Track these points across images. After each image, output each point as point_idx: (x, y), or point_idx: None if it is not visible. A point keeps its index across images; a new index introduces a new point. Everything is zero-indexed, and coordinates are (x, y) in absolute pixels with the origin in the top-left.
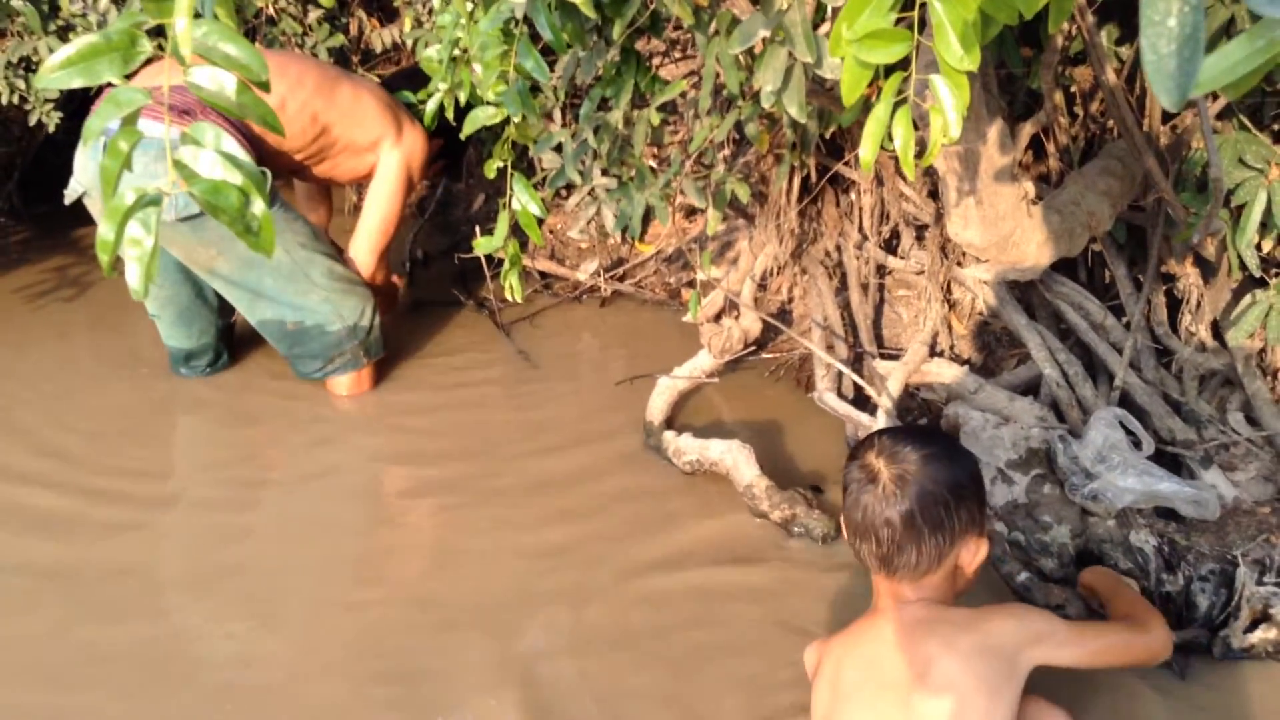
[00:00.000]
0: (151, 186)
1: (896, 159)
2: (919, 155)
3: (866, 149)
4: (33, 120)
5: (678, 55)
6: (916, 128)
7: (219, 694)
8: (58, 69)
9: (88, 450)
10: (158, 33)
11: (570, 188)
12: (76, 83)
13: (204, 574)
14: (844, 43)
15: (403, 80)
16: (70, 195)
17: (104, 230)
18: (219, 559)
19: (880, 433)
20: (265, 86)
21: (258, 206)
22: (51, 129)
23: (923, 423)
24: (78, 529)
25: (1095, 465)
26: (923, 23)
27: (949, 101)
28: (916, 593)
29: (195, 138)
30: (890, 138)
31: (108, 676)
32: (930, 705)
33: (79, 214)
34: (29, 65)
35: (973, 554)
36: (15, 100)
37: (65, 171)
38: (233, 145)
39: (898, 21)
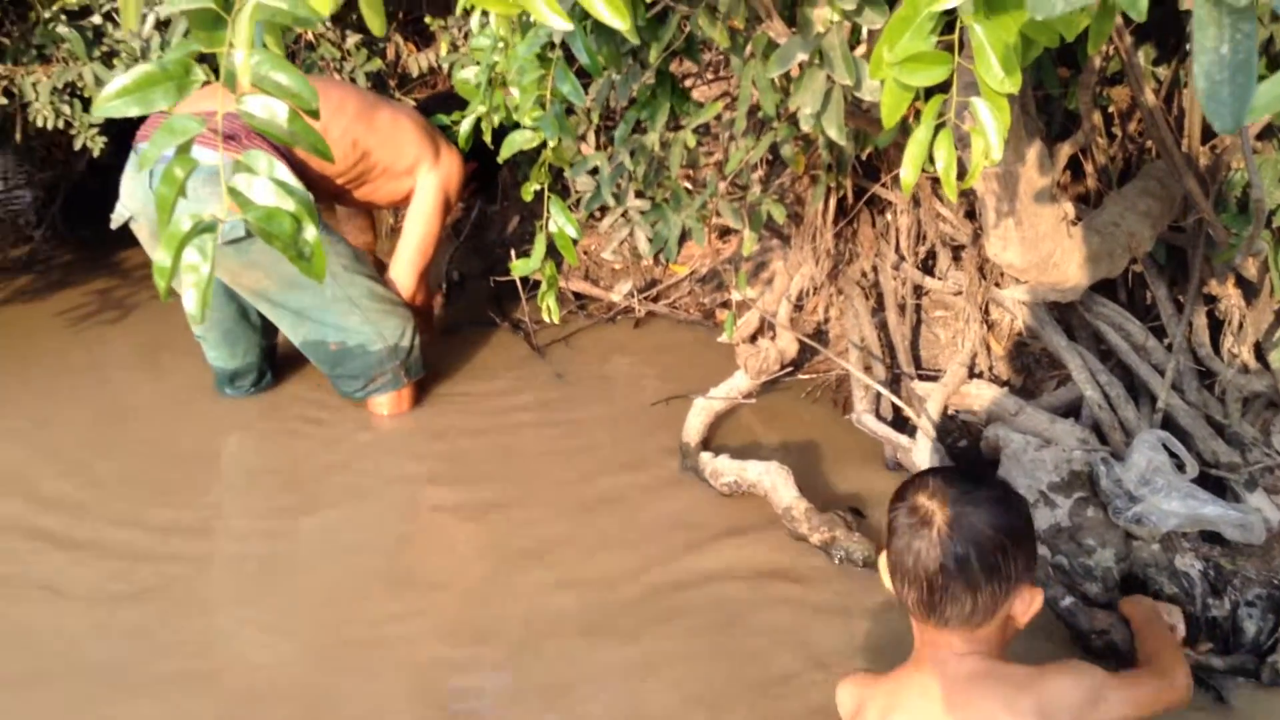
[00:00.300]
0: (206, 213)
1: (933, 180)
2: (960, 177)
3: (908, 171)
4: (78, 145)
5: (710, 77)
6: (956, 149)
7: None
8: (114, 98)
9: (131, 470)
10: (202, 59)
11: (604, 209)
12: (133, 111)
13: (228, 604)
14: (885, 65)
15: (437, 104)
16: (117, 220)
17: (160, 257)
18: (246, 587)
19: (929, 473)
20: (315, 114)
21: (310, 232)
22: (96, 154)
23: (962, 445)
24: (115, 555)
25: (1139, 488)
26: (962, 44)
27: (990, 124)
28: (969, 645)
29: (249, 165)
30: (931, 160)
31: None
32: None
33: (121, 237)
34: (74, 91)
35: (1026, 604)
36: (60, 125)
37: (107, 195)
38: (285, 172)
39: (938, 44)
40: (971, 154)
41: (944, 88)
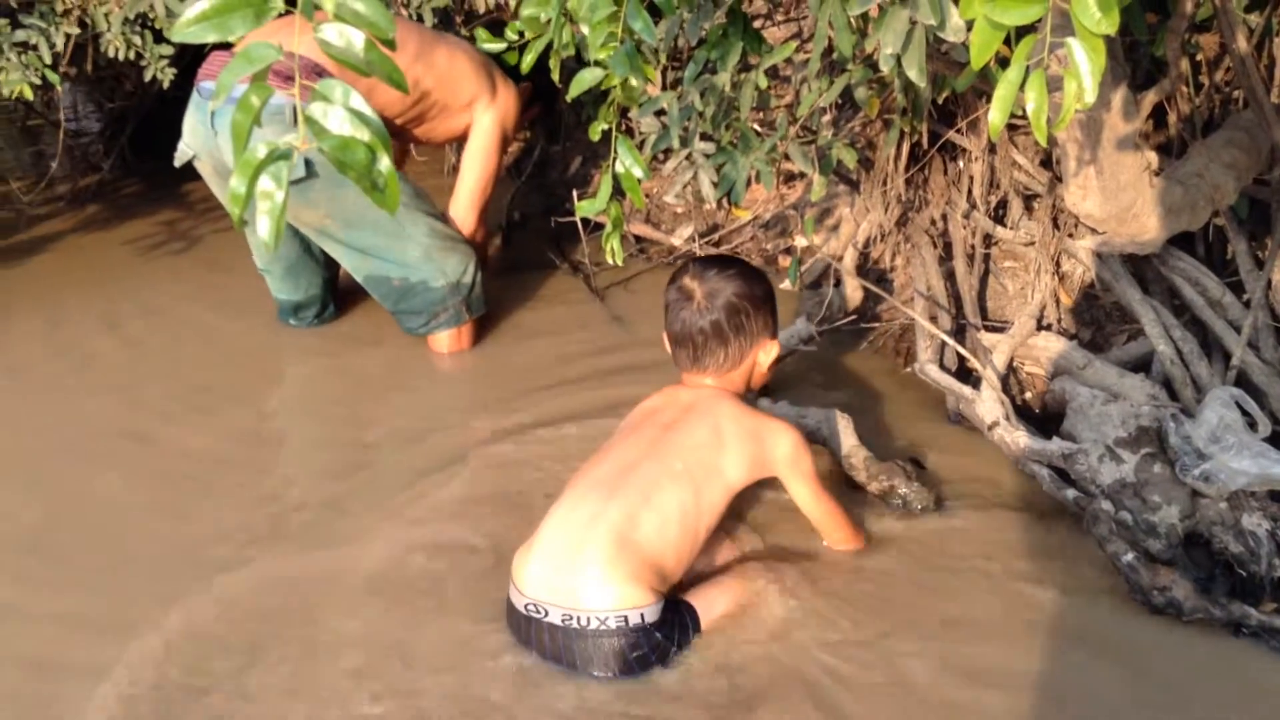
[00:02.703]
0: (281, 142)
1: (1011, 126)
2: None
3: (997, 114)
4: (148, 76)
5: (780, 18)
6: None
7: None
8: (193, 23)
9: (198, 399)
10: None
11: (668, 152)
12: (210, 37)
13: (278, 533)
14: (977, 3)
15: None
16: (180, 158)
17: (235, 184)
18: (298, 516)
19: (691, 260)
20: (392, 45)
21: (384, 163)
22: (165, 85)
23: (1026, 397)
24: (175, 471)
25: (1208, 446)
26: None
27: (1085, 66)
28: (719, 384)
29: (324, 94)
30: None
31: None
32: (679, 435)
33: (187, 170)
34: (145, 22)
35: (768, 354)
36: (131, 56)
37: (173, 128)
38: (360, 102)
39: None
40: (1064, 97)
41: (1033, 29)
